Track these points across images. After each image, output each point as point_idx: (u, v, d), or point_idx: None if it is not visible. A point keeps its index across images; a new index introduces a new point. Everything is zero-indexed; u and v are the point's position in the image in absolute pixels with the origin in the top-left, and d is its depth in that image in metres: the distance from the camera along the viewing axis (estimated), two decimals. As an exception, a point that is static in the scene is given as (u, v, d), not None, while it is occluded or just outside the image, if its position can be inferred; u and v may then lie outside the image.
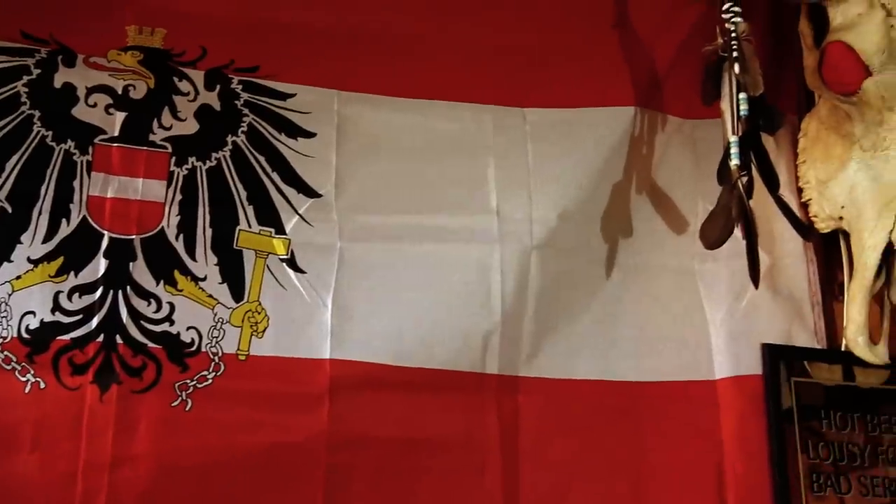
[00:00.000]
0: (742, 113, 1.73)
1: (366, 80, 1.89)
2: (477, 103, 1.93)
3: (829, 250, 1.98)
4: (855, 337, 1.83)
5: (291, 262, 1.77)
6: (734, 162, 1.71)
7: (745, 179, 1.71)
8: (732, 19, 1.76)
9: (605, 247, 1.92)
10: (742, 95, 1.73)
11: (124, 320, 1.67)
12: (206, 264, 1.73)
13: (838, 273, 1.95)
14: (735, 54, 1.74)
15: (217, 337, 1.70)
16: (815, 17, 1.91)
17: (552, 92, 1.95)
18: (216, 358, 1.69)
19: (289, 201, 1.80)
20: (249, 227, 1.77)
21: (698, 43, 1.86)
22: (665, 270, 1.94)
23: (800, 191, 1.98)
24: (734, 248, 1.78)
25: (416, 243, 1.82)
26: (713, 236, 1.72)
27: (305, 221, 1.79)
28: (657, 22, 2.01)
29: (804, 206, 1.96)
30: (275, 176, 1.81)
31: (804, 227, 1.78)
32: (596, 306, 1.89)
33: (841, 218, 1.89)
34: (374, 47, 1.91)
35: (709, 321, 1.92)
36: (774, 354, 1.88)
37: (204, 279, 1.73)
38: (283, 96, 1.86)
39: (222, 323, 1.71)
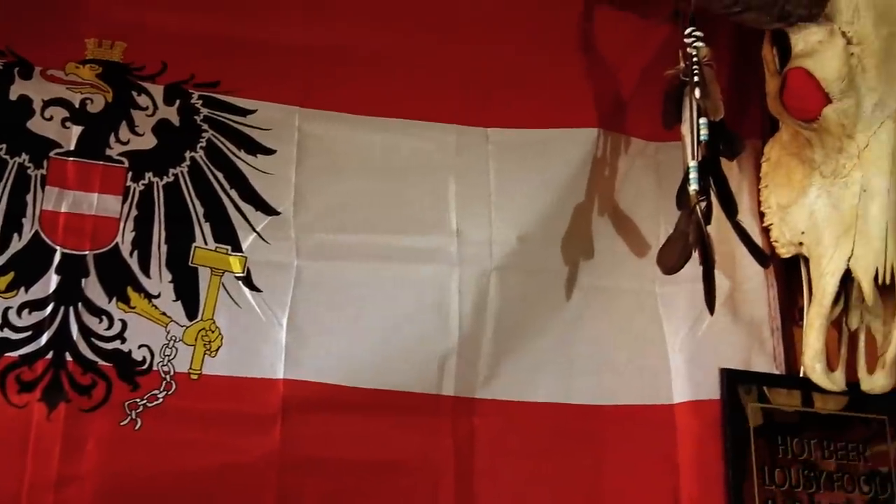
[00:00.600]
0: (702, 138, 1.72)
1: (328, 97, 1.87)
2: (440, 122, 1.91)
3: (791, 275, 1.97)
4: (812, 363, 1.83)
5: (247, 281, 1.75)
6: (693, 187, 1.71)
7: (703, 205, 1.70)
8: (694, 44, 1.75)
9: (566, 269, 1.91)
10: (702, 120, 1.72)
11: (75, 337, 1.65)
12: (160, 281, 1.71)
13: (799, 298, 1.94)
14: (696, 79, 1.74)
15: (169, 355, 1.68)
16: (779, 43, 1.90)
17: (515, 112, 1.94)
18: (168, 377, 1.67)
19: (246, 219, 1.78)
20: (206, 244, 1.75)
21: (663, 66, 1.85)
22: (625, 293, 1.94)
23: (762, 215, 1.98)
24: (695, 271, 1.76)
25: (374, 263, 1.80)
26: (670, 262, 1.71)
27: (262, 239, 1.78)
28: (622, 44, 2.00)
29: (766, 230, 1.97)
30: (233, 193, 1.79)
31: (762, 254, 1.77)
32: (555, 328, 1.88)
33: (801, 244, 1.89)
34: (336, 64, 1.89)
35: (668, 345, 1.91)
36: (733, 379, 1.88)
37: (158, 296, 1.71)
38: (244, 112, 1.84)
39: (175, 341, 1.69)
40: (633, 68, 2.00)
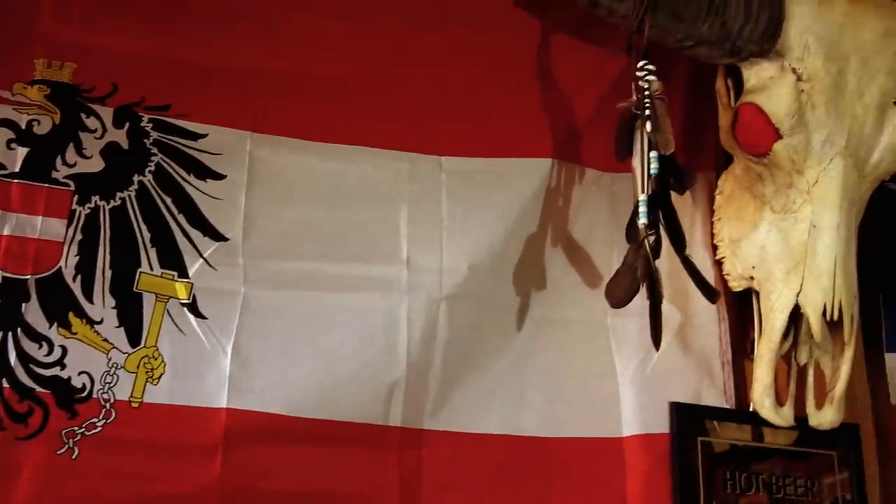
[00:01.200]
0: (652, 171, 1.71)
1: (280, 122, 1.86)
2: (393, 150, 1.90)
3: (743, 308, 1.97)
4: (761, 398, 1.83)
5: (193, 307, 1.73)
6: (642, 221, 1.70)
7: (652, 239, 1.69)
8: (646, 77, 1.75)
9: (517, 299, 1.90)
10: (653, 154, 1.71)
11: (12, 364, 1.62)
12: (103, 307, 1.69)
13: (750, 331, 1.94)
14: (647, 112, 1.73)
15: (110, 383, 1.65)
16: (734, 76, 1.91)
17: (470, 141, 1.93)
18: (107, 405, 1.64)
19: (193, 244, 1.76)
20: (151, 269, 1.73)
21: (619, 97, 1.84)
22: (577, 324, 1.93)
23: (714, 248, 1.98)
24: (646, 304, 1.76)
25: (322, 291, 1.78)
26: (618, 295, 1.70)
27: (209, 265, 1.75)
28: (578, 75, 2.00)
29: (718, 263, 1.97)
30: (181, 218, 1.77)
31: (710, 289, 1.76)
32: (505, 359, 1.87)
33: (752, 278, 1.89)
34: (290, 90, 1.88)
35: (619, 377, 1.91)
36: (682, 413, 1.87)
37: (100, 322, 1.68)
38: (195, 136, 1.82)
39: (116, 368, 1.66)
40: (589, 98, 2.00)
